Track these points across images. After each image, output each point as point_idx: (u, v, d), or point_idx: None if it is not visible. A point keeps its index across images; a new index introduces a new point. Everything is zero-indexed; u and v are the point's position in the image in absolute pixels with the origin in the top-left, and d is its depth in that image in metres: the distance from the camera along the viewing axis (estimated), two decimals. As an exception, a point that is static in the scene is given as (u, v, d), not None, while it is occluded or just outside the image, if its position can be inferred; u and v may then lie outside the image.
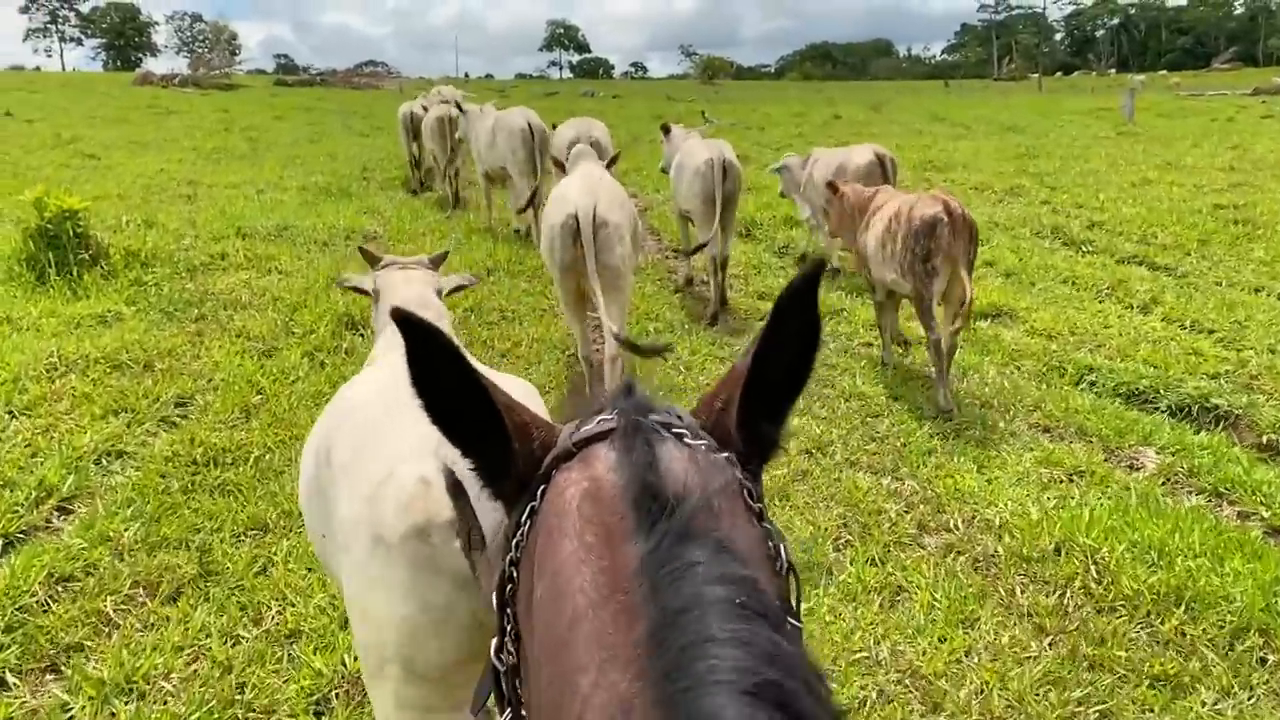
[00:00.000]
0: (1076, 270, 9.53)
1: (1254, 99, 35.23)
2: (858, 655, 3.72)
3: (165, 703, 3.33)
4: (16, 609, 3.75)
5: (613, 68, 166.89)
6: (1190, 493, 5.10)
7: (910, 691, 3.55)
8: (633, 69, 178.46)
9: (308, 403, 5.83)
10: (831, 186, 7.37)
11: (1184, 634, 3.82)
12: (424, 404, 1.04)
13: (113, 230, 9.70)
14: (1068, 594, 4.12)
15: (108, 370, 6.16)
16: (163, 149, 19.31)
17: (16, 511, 4.45)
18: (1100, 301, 8.60)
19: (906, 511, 4.88)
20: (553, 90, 58.26)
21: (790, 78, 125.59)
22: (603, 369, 6.04)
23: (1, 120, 24.38)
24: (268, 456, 5.19)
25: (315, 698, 3.39)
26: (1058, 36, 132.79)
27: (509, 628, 1.07)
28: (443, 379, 1.03)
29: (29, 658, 3.54)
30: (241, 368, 6.37)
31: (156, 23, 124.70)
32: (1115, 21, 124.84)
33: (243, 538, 4.43)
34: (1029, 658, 3.72)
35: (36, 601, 3.84)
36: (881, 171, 9.08)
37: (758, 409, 1.05)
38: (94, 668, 3.48)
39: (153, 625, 3.78)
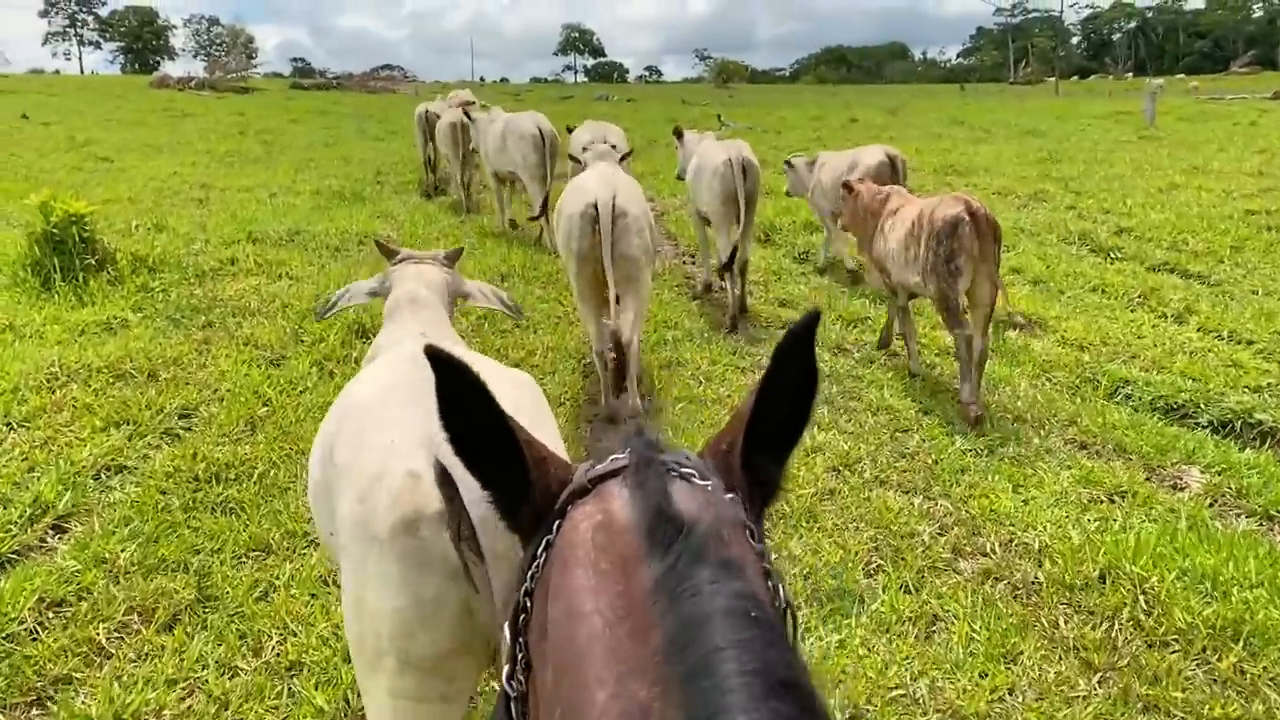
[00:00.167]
0: (1106, 278, 9.26)
1: (1275, 102, 34.72)
2: (894, 693, 3.49)
3: (156, 742, 3.13)
4: (4, 637, 3.56)
5: (627, 72, 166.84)
6: (1240, 515, 4.84)
7: (952, 734, 3.31)
8: (647, 73, 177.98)
9: (315, 415, 5.62)
10: (847, 186, 7.29)
11: (1243, 672, 3.57)
12: (450, 438, 1.07)
13: (122, 234, 9.57)
14: (1115, 626, 3.87)
15: (110, 380, 5.98)
16: (176, 152, 19.22)
17: (10, 530, 4.27)
18: (1132, 310, 8.32)
19: (940, 534, 4.64)
20: (567, 94, 58.26)
21: (805, 81, 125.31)
22: (615, 370, 5.82)
23: (18, 123, 24.37)
24: (272, 472, 4.99)
25: (316, 737, 3.18)
26: (1074, 40, 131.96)
27: (520, 656, 1.09)
28: (469, 415, 1.06)
29: (14, 690, 3.34)
30: (248, 378, 6.18)
31: (174, 26, 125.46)
32: (1132, 25, 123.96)
33: (244, 559, 4.23)
34: (1077, 697, 3.48)
35: (25, 629, 3.64)
36: (892, 172, 8.94)
37: (760, 452, 1.11)
38: (82, 703, 3.28)
39: (147, 655, 3.58)
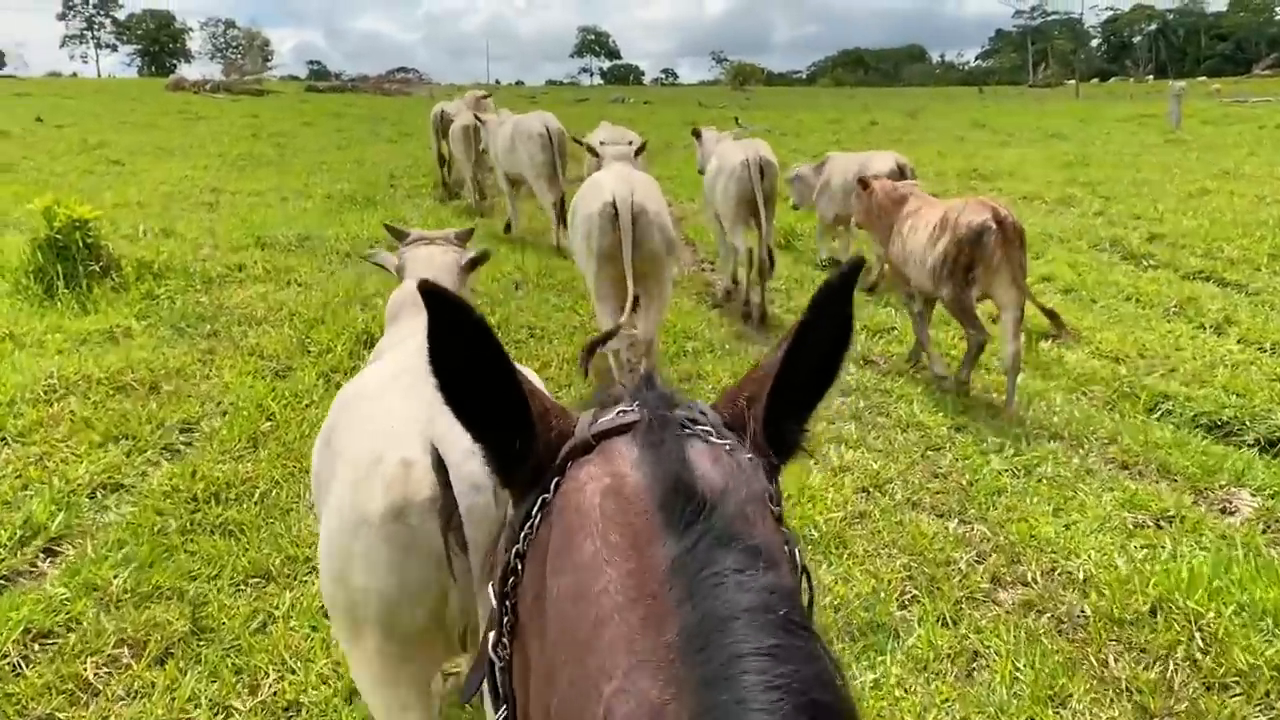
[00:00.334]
0: (1139, 286, 8.96)
1: (1301, 105, 34.19)
2: (935, 741, 3.24)
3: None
4: (-15, 673, 3.35)
5: (643, 74, 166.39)
6: (1297, 543, 4.56)
7: (1000, 790, 3.06)
8: (663, 75, 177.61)
9: (319, 431, 5.40)
10: (862, 183, 7.25)
11: (1314, 720, 3.30)
12: (439, 382, 0.98)
13: (128, 239, 9.39)
14: (1171, 666, 3.60)
15: (110, 392, 5.78)
16: (189, 155, 19.08)
17: (-2, 554, 4.06)
18: (1169, 321, 8.03)
19: (978, 561, 4.38)
20: (583, 97, 58.14)
21: (822, 84, 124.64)
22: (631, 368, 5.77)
23: (32, 126, 24.29)
24: (274, 492, 4.77)
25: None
26: (1094, 43, 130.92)
27: (507, 620, 1.01)
28: (467, 357, 0.97)
29: (-7, 732, 3.13)
30: (252, 390, 5.96)
31: (191, 29, 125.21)
32: (1153, 27, 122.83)
33: (242, 587, 4.01)
34: (1134, 747, 3.22)
35: (9, 663, 3.44)
36: (901, 179, 8.75)
37: (784, 407, 1.03)
38: (64, 748, 3.07)
39: (136, 693, 3.36)
